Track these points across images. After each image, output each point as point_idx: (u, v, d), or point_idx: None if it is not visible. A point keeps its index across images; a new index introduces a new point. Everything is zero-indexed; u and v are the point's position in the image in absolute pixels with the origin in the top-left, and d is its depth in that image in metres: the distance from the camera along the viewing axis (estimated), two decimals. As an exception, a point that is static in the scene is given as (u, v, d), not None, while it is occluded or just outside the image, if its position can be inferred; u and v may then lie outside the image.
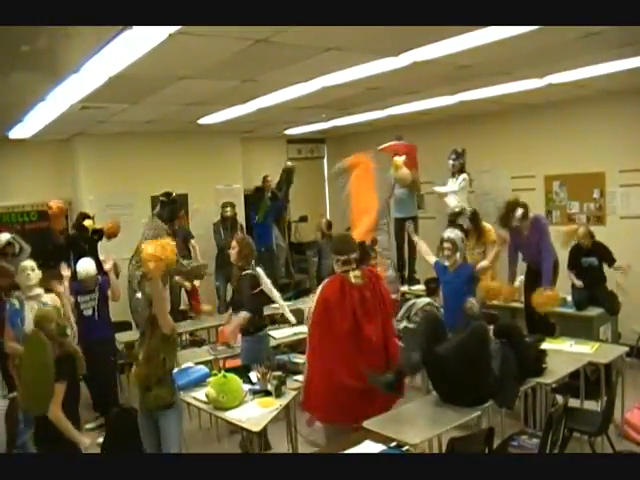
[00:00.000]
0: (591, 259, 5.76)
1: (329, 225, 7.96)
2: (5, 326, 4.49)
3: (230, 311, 5.02)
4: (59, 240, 6.34)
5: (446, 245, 4.87)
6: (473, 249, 6.11)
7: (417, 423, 3.45)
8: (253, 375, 4.19)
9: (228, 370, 4.25)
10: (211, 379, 4.06)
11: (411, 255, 7.33)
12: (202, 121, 6.89)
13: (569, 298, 5.80)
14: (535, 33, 3.53)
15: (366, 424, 3.34)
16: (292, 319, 5.09)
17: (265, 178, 8.13)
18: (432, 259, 5.20)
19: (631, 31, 3.59)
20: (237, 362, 4.86)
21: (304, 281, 9.00)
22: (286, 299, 6.97)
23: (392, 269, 6.73)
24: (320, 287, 3.86)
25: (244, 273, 4.66)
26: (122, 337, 5.77)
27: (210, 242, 7.64)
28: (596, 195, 6.83)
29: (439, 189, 7.14)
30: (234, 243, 4.80)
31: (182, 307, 7.12)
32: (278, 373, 4.06)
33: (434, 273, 5.38)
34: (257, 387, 4.06)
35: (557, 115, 7.02)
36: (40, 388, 3.50)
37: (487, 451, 3.16)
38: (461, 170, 7.00)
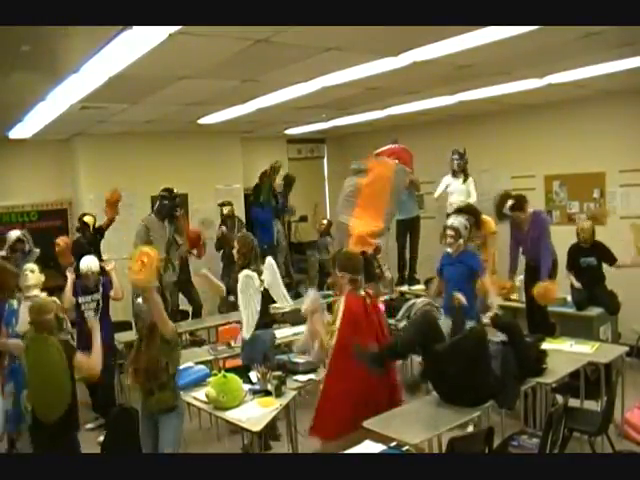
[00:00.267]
0: (590, 259, 5.76)
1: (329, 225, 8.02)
2: (1, 325, 4.51)
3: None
4: (89, 236, 6.33)
5: (449, 232, 4.86)
6: (472, 240, 6.11)
7: (417, 423, 3.45)
8: (253, 375, 4.19)
9: (228, 370, 4.25)
10: (211, 379, 4.06)
11: (412, 255, 7.33)
12: (202, 121, 6.89)
13: (569, 298, 5.81)
14: (535, 33, 3.53)
15: (366, 424, 3.34)
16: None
17: (265, 172, 8.13)
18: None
19: (631, 31, 3.59)
20: (237, 362, 4.86)
21: (304, 281, 9.00)
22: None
23: (388, 271, 6.74)
24: (343, 304, 3.71)
25: (239, 274, 4.68)
26: (122, 337, 5.76)
27: (209, 242, 7.64)
28: (596, 195, 6.83)
29: (438, 191, 7.14)
30: (235, 242, 4.81)
31: (182, 307, 7.12)
32: (278, 373, 4.06)
33: (434, 273, 5.38)
34: (257, 387, 4.06)
35: (557, 115, 7.02)
36: (53, 394, 3.43)
37: (487, 451, 3.16)
38: (464, 170, 7.02)
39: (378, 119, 7.56)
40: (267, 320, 4.78)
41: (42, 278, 4.78)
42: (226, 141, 8.46)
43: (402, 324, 5.64)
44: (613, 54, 4.49)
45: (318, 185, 10.21)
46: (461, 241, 4.85)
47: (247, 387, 4.04)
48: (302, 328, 5.53)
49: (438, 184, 7.21)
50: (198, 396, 3.98)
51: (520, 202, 5.52)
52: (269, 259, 4.84)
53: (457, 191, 6.98)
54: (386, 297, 6.17)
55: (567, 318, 5.63)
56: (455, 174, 7.02)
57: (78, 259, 5.69)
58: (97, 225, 6.61)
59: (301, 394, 4.34)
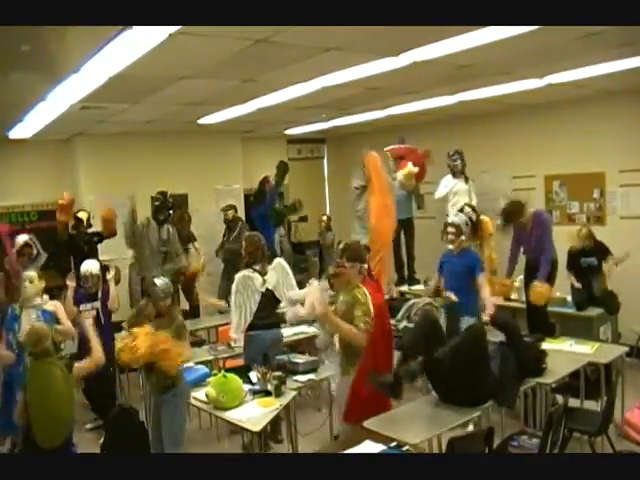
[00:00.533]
0: (590, 259, 5.76)
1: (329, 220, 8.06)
2: (1, 330, 4.51)
3: None
4: (63, 236, 6.29)
5: (450, 229, 4.90)
6: (470, 242, 6.12)
7: (417, 423, 3.45)
8: (253, 375, 4.19)
9: (228, 370, 4.24)
10: (211, 379, 4.06)
11: (410, 255, 7.34)
12: (202, 121, 6.89)
13: (569, 298, 5.81)
14: (535, 33, 3.53)
15: (366, 424, 3.34)
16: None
17: (267, 178, 8.11)
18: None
19: (631, 31, 3.59)
20: (237, 362, 4.86)
21: (304, 281, 8.99)
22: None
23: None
24: (366, 294, 3.72)
25: (236, 274, 4.72)
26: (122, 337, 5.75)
27: (210, 243, 7.64)
28: (596, 195, 6.83)
29: (443, 192, 7.12)
30: (243, 241, 4.87)
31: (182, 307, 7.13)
32: (278, 373, 4.06)
33: (434, 273, 5.38)
34: (257, 387, 4.06)
35: (557, 115, 7.02)
36: (56, 423, 3.37)
37: (487, 451, 3.16)
38: (462, 170, 7.02)
39: (378, 119, 7.56)
40: (269, 321, 4.72)
41: (42, 285, 4.73)
42: (226, 141, 8.45)
43: (402, 324, 5.64)
44: (613, 54, 4.49)
45: (318, 185, 10.20)
46: (462, 237, 4.89)
47: (247, 387, 4.04)
48: (302, 328, 5.55)
49: (438, 185, 7.20)
50: (198, 396, 3.98)
51: (517, 210, 5.54)
52: (279, 260, 4.83)
53: (461, 192, 6.97)
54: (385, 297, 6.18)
55: (567, 318, 5.63)
56: (456, 175, 7.02)
57: (76, 259, 5.70)
58: (93, 226, 6.59)
59: (301, 394, 4.34)
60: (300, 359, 4.43)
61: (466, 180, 7.00)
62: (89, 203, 7.28)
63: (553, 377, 4.00)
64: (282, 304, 4.84)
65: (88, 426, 5.22)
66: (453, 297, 4.61)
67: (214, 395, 3.80)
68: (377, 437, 3.12)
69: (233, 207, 7.67)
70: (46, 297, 4.78)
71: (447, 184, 7.04)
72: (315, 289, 3.73)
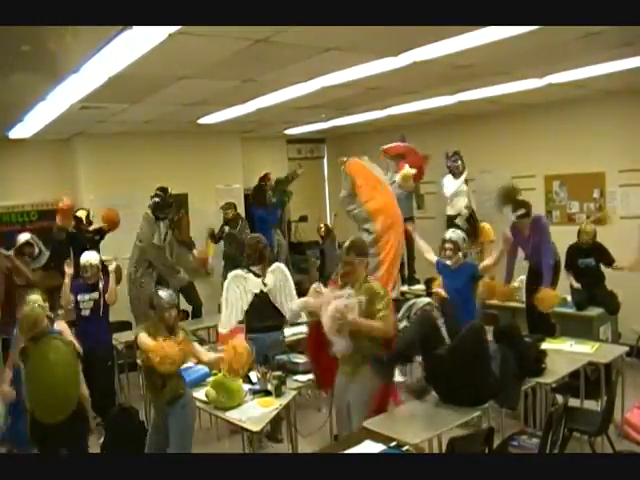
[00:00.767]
0: (588, 260, 5.75)
1: (327, 229, 8.05)
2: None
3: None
4: (60, 236, 6.28)
5: (447, 246, 4.90)
6: (470, 248, 6.13)
7: (417, 423, 3.45)
8: (253, 375, 4.19)
9: (228, 370, 4.24)
10: (211, 379, 4.06)
11: (410, 255, 7.33)
12: (202, 121, 6.88)
13: (569, 298, 5.81)
14: (535, 33, 3.53)
15: (366, 424, 3.34)
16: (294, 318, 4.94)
17: (267, 175, 8.10)
18: (433, 257, 5.20)
19: (631, 31, 3.59)
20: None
21: (304, 281, 8.99)
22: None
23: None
24: (382, 287, 3.78)
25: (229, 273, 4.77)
26: (122, 337, 5.76)
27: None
28: (596, 195, 6.83)
29: (449, 192, 7.11)
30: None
31: (181, 307, 7.12)
32: (278, 373, 4.06)
33: (434, 272, 5.38)
34: (257, 387, 4.06)
35: (557, 115, 7.02)
36: (68, 393, 3.48)
37: (487, 451, 3.16)
38: (462, 171, 7.03)
39: (378, 119, 7.56)
40: (268, 324, 4.70)
41: (47, 306, 4.35)
42: (226, 141, 8.45)
43: (402, 324, 5.63)
44: (613, 54, 4.49)
45: (318, 185, 10.20)
46: (460, 254, 4.89)
47: (247, 387, 4.04)
48: (302, 328, 5.54)
49: (438, 186, 7.20)
50: (198, 396, 3.98)
51: (529, 211, 5.52)
52: (278, 265, 4.82)
53: (461, 193, 6.97)
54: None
55: (567, 318, 5.63)
56: (456, 176, 7.03)
57: (76, 254, 5.67)
58: (93, 223, 6.59)
59: (301, 394, 4.35)
60: (300, 359, 4.43)
61: (466, 182, 7.01)
62: (89, 203, 7.28)
63: (553, 377, 4.00)
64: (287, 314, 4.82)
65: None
66: (442, 293, 4.60)
67: (214, 395, 3.80)
68: (377, 437, 3.12)
69: (233, 205, 7.67)
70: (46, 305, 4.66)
71: (450, 184, 7.04)
72: (329, 295, 3.60)
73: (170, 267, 6.57)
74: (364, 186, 6.02)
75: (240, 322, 4.83)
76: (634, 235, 6.26)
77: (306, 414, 4.36)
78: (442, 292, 4.58)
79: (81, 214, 6.47)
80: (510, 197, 5.62)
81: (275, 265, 4.81)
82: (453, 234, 4.98)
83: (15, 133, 6.56)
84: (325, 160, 10.34)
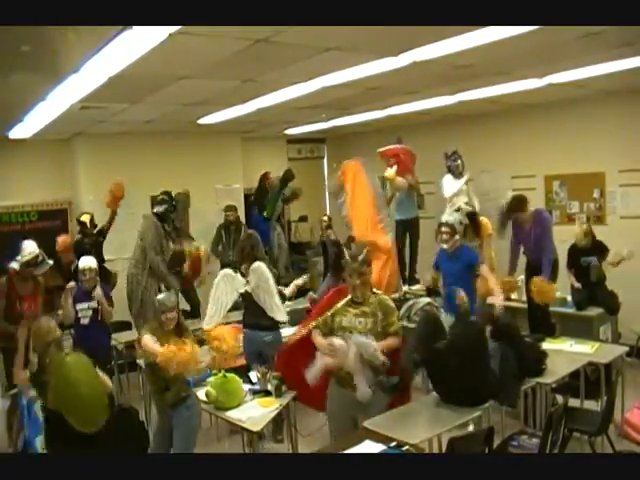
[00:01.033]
0: (590, 258, 5.75)
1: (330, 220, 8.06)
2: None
3: None
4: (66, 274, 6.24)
5: (444, 229, 4.87)
6: (469, 242, 6.12)
7: (417, 423, 3.45)
8: (253, 375, 4.19)
9: (228, 370, 4.24)
10: (211, 379, 4.06)
11: (412, 255, 7.33)
12: (202, 121, 6.88)
13: (569, 298, 5.81)
14: (535, 33, 3.53)
15: (366, 424, 3.34)
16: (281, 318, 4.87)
17: (266, 175, 8.09)
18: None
19: (631, 31, 3.59)
20: (237, 362, 4.86)
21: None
22: (287, 299, 7.01)
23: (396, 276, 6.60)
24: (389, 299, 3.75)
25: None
26: (122, 337, 5.76)
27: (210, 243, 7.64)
28: (596, 195, 6.83)
29: (449, 192, 7.11)
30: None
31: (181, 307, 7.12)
32: (278, 373, 4.06)
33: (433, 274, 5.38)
34: (257, 387, 4.06)
35: (557, 115, 7.02)
36: (99, 403, 3.45)
37: (487, 451, 3.16)
38: (462, 171, 7.03)
39: (378, 119, 7.56)
40: (259, 322, 4.72)
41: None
42: (226, 141, 8.45)
43: (402, 324, 5.63)
44: (613, 54, 4.49)
45: (318, 185, 10.20)
46: (457, 237, 4.86)
47: (247, 387, 4.05)
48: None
49: (437, 186, 7.20)
50: (198, 396, 3.97)
51: (519, 203, 5.53)
52: (259, 264, 4.73)
53: (460, 192, 6.97)
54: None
55: (567, 318, 5.63)
56: (456, 175, 7.03)
57: (79, 259, 5.67)
58: (98, 226, 6.59)
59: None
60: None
61: (466, 182, 7.01)
62: (89, 203, 7.28)
63: (553, 377, 4.00)
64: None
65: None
66: (464, 297, 4.51)
67: (214, 395, 3.80)
68: (377, 437, 3.12)
69: (235, 208, 7.63)
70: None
71: (450, 184, 7.04)
72: (342, 346, 3.45)
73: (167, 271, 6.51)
74: (351, 192, 6.08)
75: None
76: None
77: (306, 414, 4.35)
78: (463, 296, 4.48)
79: (85, 218, 6.46)
80: (519, 207, 5.61)
81: (256, 264, 4.73)
82: (450, 217, 4.97)
83: (15, 133, 6.56)
84: (325, 160, 10.34)
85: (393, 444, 3.03)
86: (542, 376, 3.97)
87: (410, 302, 6.00)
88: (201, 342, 6.30)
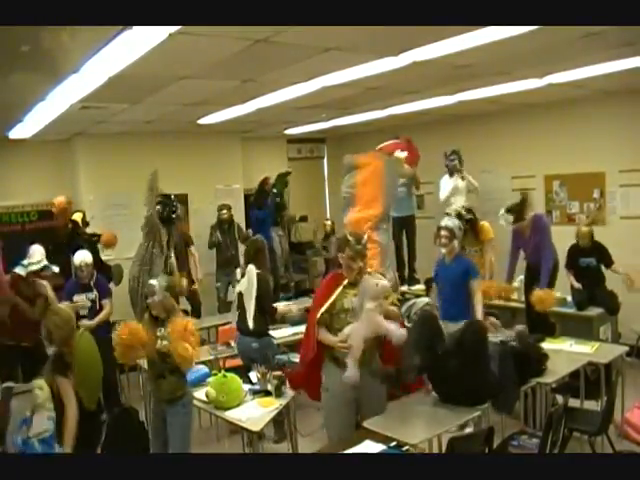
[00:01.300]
0: (589, 259, 5.75)
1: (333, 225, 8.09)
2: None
3: None
4: (62, 237, 6.24)
5: (443, 233, 4.84)
6: (469, 246, 6.13)
7: (417, 423, 3.45)
8: (253, 375, 4.19)
9: (228, 370, 4.25)
10: (211, 379, 4.06)
11: (410, 254, 7.34)
12: (202, 121, 6.88)
13: (569, 298, 5.81)
14: (535, 33, 3.53)
15: (366, 424, 3.34)
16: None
17: (266, 180, 8.10)
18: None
19: (631, 31, 3.59)
20: (237, 362, 4.87)
21: (304, 281, 9.00)
22: (287, 299, 7.02)
23: (391, 271, 6.55)
24: None
25: None
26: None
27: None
28: (596, 195, 6.83)
29: (443, 195, 7.12)
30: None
31: (181, 307, 7.12)
32: (278, 373, 4.06)
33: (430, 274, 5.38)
34: (257, 387, 4.06)
35: (557, 115, 7.02)
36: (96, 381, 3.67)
37: (487, 451, 3.16)
38: (460, 169, 7.04)
39: (378, 119, 7.56)
40: (242, 326, 4.81)
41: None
42: (226, 141, 8.45)
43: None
44: (613, 54, 4.49)
45: (318, 185, 10.20)
46: (455, 242, 4.83)
47: (247, 387, 4.05)
48: (302, 328, 5.54)
49: (437, 186, 7.21)
50: (198, 396, 3.98)
51: (521, 212, 5.55)
52: (250, 267, 4.82)
53: (458, 192, 6.99)
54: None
55: (567, 318, 5.63)
56: (453, 174, 7.04)
57: (73, 254, 5.66)
58: (90, 224, 6.57)
59: (301, 394, 4.34)
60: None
61: (462, 178, 7.02)
62: (89, 203, 7.29)
63: (553, 377, 4.00)
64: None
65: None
66: (497, 322, 4.41)
67: (214, 395, 3.80)
68: (377, 437, 3.12)
69: (229, 207, 7.63)
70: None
71: (446, 185, 7.05)
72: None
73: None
74: (360, 189, 6.04)
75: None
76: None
77: (306, 414, 4.35)
78: (497, 322, 4.42)
79: (77, 217, 6.44)
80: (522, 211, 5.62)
81: (249, 267, 4.83)
82: (449, 222, 4.94)
83: (15, 133, 6.56)
84: (325, 160, 10.34)
85: (393, 444, 3.03)
86: (542, 376, 3.97)
87: (410, 302, 5.99)
88: (201, 342, 6.34)
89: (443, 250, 4.87)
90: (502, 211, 5.71)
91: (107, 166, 7.47)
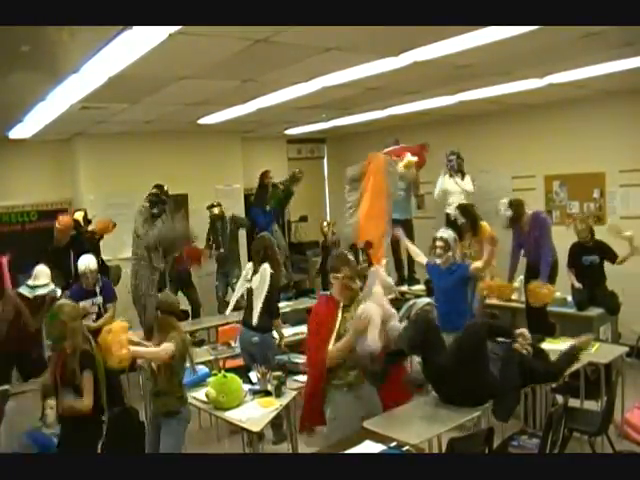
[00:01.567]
0: (592, 257, 5.73)
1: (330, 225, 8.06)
2: None
3: None
4: (61, 243, 6.22)
5: (438, 244, 4.87)
6: (469, 247, 6.13)
7: (417, 423, 3.45)
8: (253, 375, 4.19)
9: (228, 370, 4.25)
10: (211, 379, 4.06)
11: (409, 257, 7.33)
12: (202, 121, 6.88)
13: (569, 298, 5.81)
14: (535, 33, 3.53)
15: (366, 424, 3.34)
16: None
17: (266, 174, 8.07)
18: (423, 260, 5.18)
19: (631, 31, 3.59)
20: (237, 362, 4.87)
21: (304, 281, 9.00)
22: (287, 299, 7.02)
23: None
24: None
25: None
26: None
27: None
28: (596, 195, 6.83)
29: (435, 193, 7.17)
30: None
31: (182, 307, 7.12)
32: (278, 373, 4.06)
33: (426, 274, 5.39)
34: (257, 387, 4.06)
35: (557, 115, 7.02)
36: None
37: (487, 451, 3.15)
38: (460, 169, 7.05)
39: (378, 119, 7.56)
40: (247, 320, 4.84)
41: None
42: (226, 141, 8.45)
43: (402, 324, 5.62)
44: (613, 54, 4.49)
45: (318, 185, 10.20)
46: (450, 253, 4.85)
47: (247, 387, 4.04)
48: (302, 328, 5.55)
49: (435, 184, 7.24)
50: (198, 396, 3.98)
51: (518, 209, 5.56)
52: (265, 266, 4.84)
53: (455, 192, 7.00)
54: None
55: (567, 318, 5.62)
56: (452, 174, 7.05)
57: (77, 256, 5.64)
58: (92, 222, 6.56)
59: (301, 394, 4.34)
60: (300, 359, 4.43)
61: (462, 177, 7.03)
62: (89, 203, 7.28)
63: (553, 377, 4.00)
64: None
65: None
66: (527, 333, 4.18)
67: (214, 395, 3.80)
68: (377, 437, 3.12)
69: (217, 203, 7.58)
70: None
71: (440, 185, 7.11)
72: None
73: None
74: (370, 184, 6.04)
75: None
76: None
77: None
78: (525, 331, 4.30)
79: (78, 216, 6.42)
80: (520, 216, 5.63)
81: (264, 266, 4.84)
82: (444, 233, 4.96)
83: (15, 133, 6.56)
84: (325, 160, 10.34)
85: (393, 444, 3.02)
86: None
87: (410, 302, 5.98)
88: (200, 342, 6.36)
89: (438, 260, 4.89)
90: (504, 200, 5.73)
91: (107, 166, 7.47)
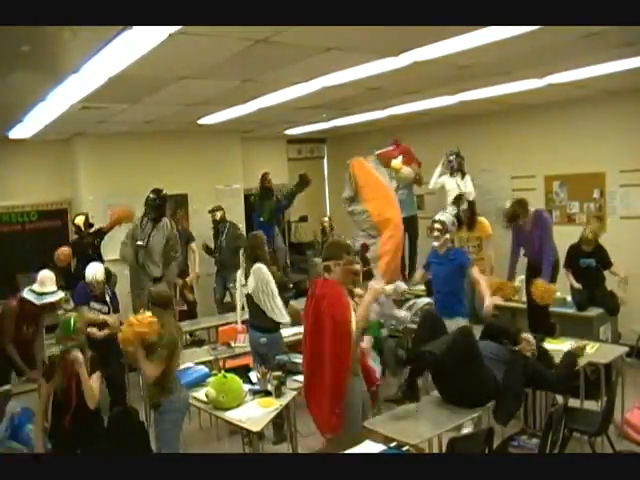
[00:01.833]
0: (590, 260, 5.74)
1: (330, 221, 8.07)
2: None
3: None
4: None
5: (436, 226, 4.89)
6: (467, 242, 6.14)
7: (417, 423, 3.45)
8: (253, 375, 4.19)
9: (228, 370, 4.25)
10: (211, 379, 4.06)
11: (411, 254, 7.34)
12: (202, 121, 6.88)
13: (569, 298, 5.81)
14: (535, 33, 3.53)
15: (366, 424, 3.34)
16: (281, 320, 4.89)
17: (265, 176, 8.06)
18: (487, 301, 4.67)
19: (631, 31, 3.59)
20: (237, 362, 4.86)
21: (303, 281, 8.99)
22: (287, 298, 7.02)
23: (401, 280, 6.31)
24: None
25: None
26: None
27: (209, 243, 7.65)
28: (596, 195, 6.83)
29: (431, 183, 7.20)
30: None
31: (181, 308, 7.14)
32: (278, 373, 4.06)
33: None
34: (257, 387, 4.06)
35: (557, 115, 7.02)
36: None
37: (487, 451, 3.15)
38: (460, 169, 7.05)
39: (378, 119, 7.56)
40: (258, 323, 4.81)
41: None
42: (226, 141, 8.45)
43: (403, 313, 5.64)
44: (613, 54, 4.49)
45: (318, 185, 10.20)
46: (447, 236, 4.87)
47: (247, 387, 4.05)
48: (302, 328, 5.54)
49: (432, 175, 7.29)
50: (198, 396, 3.98)
51: (521, 208, 5.57)
52: (259, 266, 4.74)
53: (454, 191, 7.00)
54: None
55: (567, 318, 5.63)
56: (452, 174, 7.06)
57: (81, 263, 5.62)
58: (94, 225, 6.56)
59: (301, 394, 4.34)
60: (300, 359, 4.42)
61: (462, 177, 7.04)
62: (89, 203, 7.29)
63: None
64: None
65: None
66: (531, 338, 4.00)
67: (214, 395, 3.80)
68: (377, 437, 3.12)
69: (219, 207, 7.57)
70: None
71: (436, 177, 7.14)
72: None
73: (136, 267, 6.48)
74: (365, 187, 6.08)
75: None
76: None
77: (306, 414, 4.34)
78: (530, 337, 4.07)
79: (79, 221, 6.40)
80: (522, 214, 5.63)
81: (256, 266, 4.75)
82: (442, 216, 5.00)
83: (15, 133, 6.56)
84: (325, 160, 10.34)
85: (393, 444, 3.03)
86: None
87: (410, 302, 5.99)
88: (200, 342, 6.36)
89: (435, 243, 4.90)
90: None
91: (107, 166, 7.47)
